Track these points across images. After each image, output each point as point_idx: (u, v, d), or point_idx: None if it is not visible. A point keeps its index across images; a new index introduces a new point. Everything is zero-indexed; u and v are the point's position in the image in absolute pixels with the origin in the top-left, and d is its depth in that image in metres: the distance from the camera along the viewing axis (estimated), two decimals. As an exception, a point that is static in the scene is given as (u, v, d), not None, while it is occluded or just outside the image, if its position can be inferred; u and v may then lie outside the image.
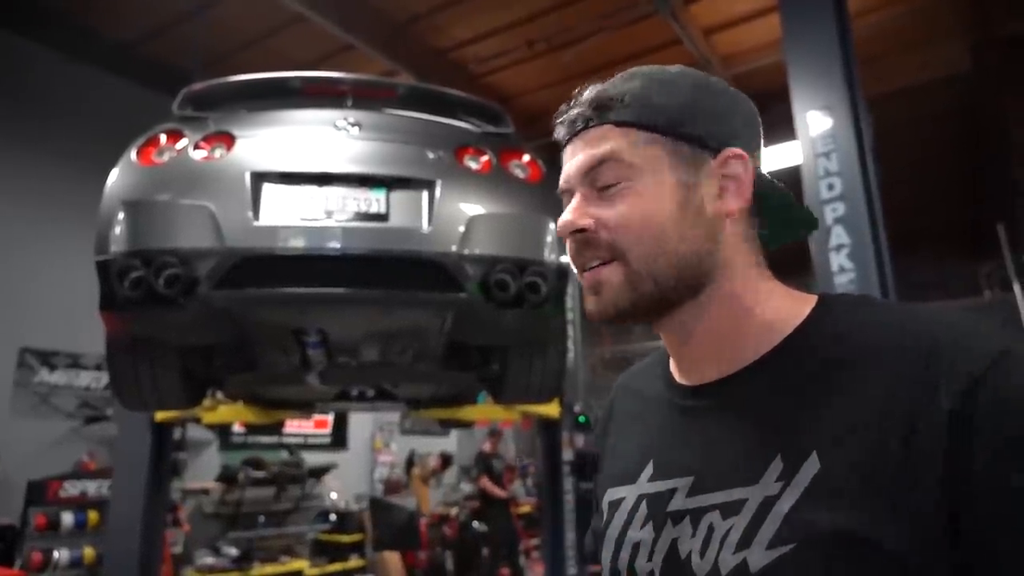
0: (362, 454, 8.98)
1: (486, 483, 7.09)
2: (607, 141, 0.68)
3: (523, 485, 9.48)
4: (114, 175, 2.26)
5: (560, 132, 0.72)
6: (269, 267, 2.11)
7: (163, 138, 2.31)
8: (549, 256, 2.37)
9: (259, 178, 2.18)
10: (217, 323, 2.28)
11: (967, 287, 8.19)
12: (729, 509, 0.61)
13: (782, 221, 0.75)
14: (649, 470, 0.71)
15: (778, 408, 0.62)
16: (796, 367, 0.63)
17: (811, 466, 0.57)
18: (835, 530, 0.54)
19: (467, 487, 9.81)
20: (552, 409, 4.64)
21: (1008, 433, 0.52)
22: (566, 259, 2.43)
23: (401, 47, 6.35)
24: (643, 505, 0.69)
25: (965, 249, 10.43)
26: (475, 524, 7.87)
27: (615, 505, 0.73)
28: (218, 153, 2.26)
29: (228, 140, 2.27)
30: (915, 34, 6.22)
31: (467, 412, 4.42)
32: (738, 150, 0.68)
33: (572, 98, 0.72)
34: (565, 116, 0.72)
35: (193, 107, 2.48)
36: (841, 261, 2.91)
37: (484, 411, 4.66)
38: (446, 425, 6.10)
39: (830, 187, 2.99)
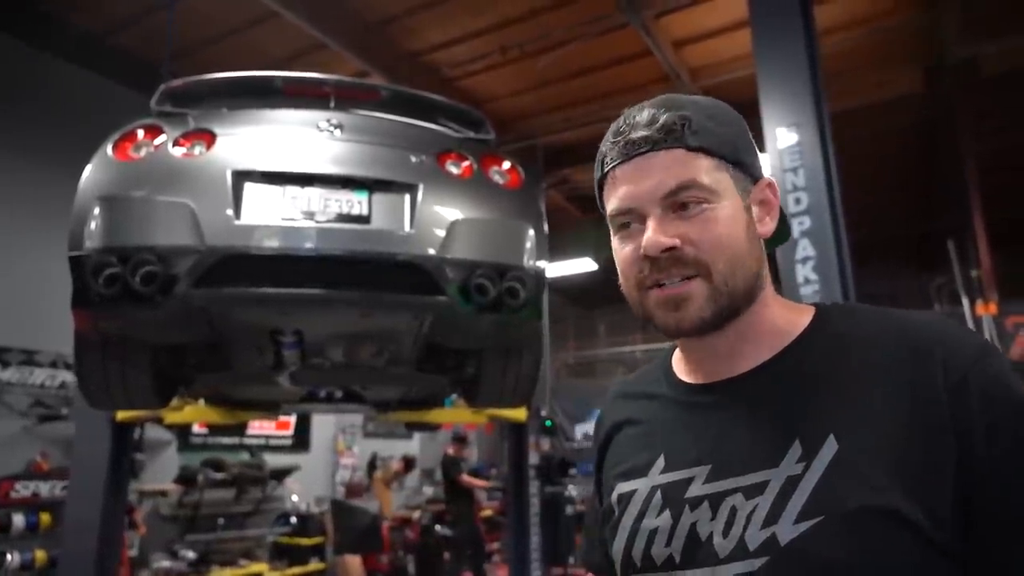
0: (324, 456, 8.88)
1: (468, 479, 7.10)
2: (684, 165, 0.71)
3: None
4: (89, 170, 2.22)
5: (615, 152, 0.74)
6: (250, 267, 2.10)
7: (141, 133, 2.28)
8: (528, 262, 2.40)
9: (241, 177, 2.17)
10: (193, 322, 2.26)
11: (918, 300, 8.50)
12: (752, 491, 0.67)
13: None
14: (660, 463, 0.76)
15: (790, 399, 0.70)
16: (804, 364, 0.72)
17: (829, 447, 0.64)
18: (858, 503, 0.61)
19: (429, 490, 9.78)
20: (519, 413, 4.68)
21: (994, 412, 0.62)
22: (543, 264, 2.49)
23: (374, 48, 6.33)
24: (657, 495, 0.74)
25: (917, 263, 10.82)
26: (437, 528, 7.86)
27: (626, 498, 0.78)
28: (198, 150, 2.24)
29: (209, 138, 2.25)
30: (874, 55, 6.45)
31: (435, 415, 4.43)
32: (771, 179, 0.77)
33: (622, 119, 0.75)
34: (623, 137, 0.73)
35: (172, 103, 2.45)
36: (807, 273, 3.02)
37: (451, 414, 4.68)
38: (412, 428, 6.09)
39: (797, 201, 3.10)
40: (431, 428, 6.28)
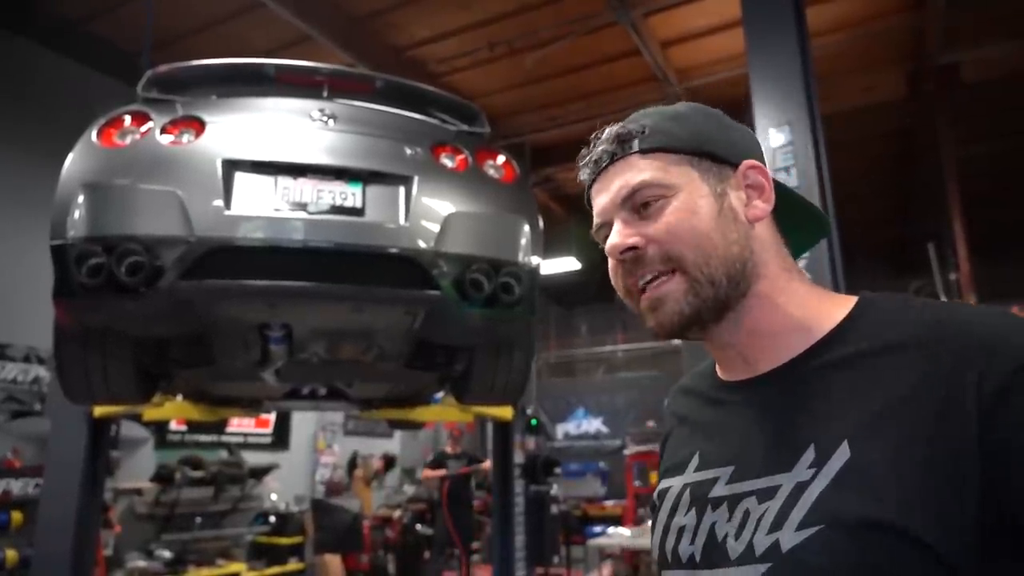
0: (304, 455, 8.77)
1: (424, 473, 7.09)
2: (638, 168, 0.74)
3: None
4: (73, 156, 2.15)
5: (585, 173, 0.78)
6: (240, 259, 2.05)
7: (127, 120, 2.21)
8: (523, 257, 2.37)
9: (231, 166, 2.11)
10: (179, 315, 2.20)
11: (898, 302, 8.58)
12: (765, 495, 0.65)
13: (795, 225, 0.80)
14: (695, 461, 0.76)
15: (813, 401, 0.67)
16: (832, 364, 0.68)
17: (841, 455, 0.61)
18: (859, 515, 0.58)
19: (410, 489, 9.72)
20: (505, 412, 4.65)
21: None
22: (538, 260, 2.46)
23: (359, 42, 6.25)
24: (687, 493, 0.74)
25: (897, 265, 10.98)
26: (418, 526, 7.81)
27: (663, 494, 0.79)
28: (186, 138, 2.18)
29: (198, 125, 2.19)
30: (859, 60, 6.51)
31: (419, 413, 4.39)
32: (755, 161, 0.75)
33: (590, 142, 0.78)
34: (588, 157, 0.77)
35: (159, 90, 2.38)
36: (799, 272, 3.01)
37: (436, 412, 4.63)
38: (396, 426, 6.04)
39: (790, 201, 3.09)
40: (415, 426, 6.23)
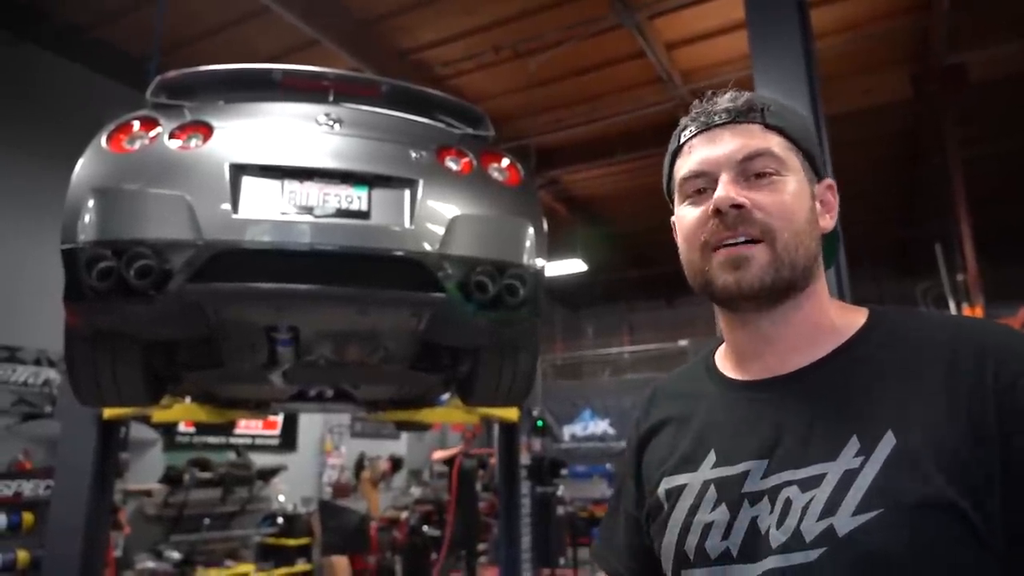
0: (311, 456, 8.81)
1: (441, 452, 7.11)
2: (762, 138, 0.76)
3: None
4: (83, 161, 2.18)
5: (695, 123, 0.79)
6: (248, 262, 2.06)
7: (136, 125, 2.24)
8: (528, 259, 2.39)
9: (238, 170, 2.14)
10: (187, 318, 2.22)
11: (904, 303, 8.58)
12: (808, 483, 0.67)
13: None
14: (712, 458, 0.76)
15: (847, 395, 0.71)
16: (861, 361, 0.72)
17: (888, 443, 0.65)
18: (917, 497, 0.62)
19: (417, 491, 9.73)
20: (511, 413, 4.66)
21: None
22: (542, 262, 2.47)
23: (365, 45, 6.29)
24: (711, 490, 0.74)
25: (901, 267, 10.94)
26: (425, 528, 7.81)
27: (675, 492, 0.78)
28: (194, 143, 2.20)
29: (206, 130, 2.22)
30: (863, 61, 6.51)
31: (425, 414, 4.41)
32: (833, 182, 0.80)
33: (703, 98, 0.81)
34: (706, 108, 0.79)
35: (167, 95, 2.41)
36: (803, 273, 3.01)
37: (442, 414, 4.65)
38: (402, 428, 6.05)
39: (794, 202, 3.09)
40: (421, 428, 6.24)
